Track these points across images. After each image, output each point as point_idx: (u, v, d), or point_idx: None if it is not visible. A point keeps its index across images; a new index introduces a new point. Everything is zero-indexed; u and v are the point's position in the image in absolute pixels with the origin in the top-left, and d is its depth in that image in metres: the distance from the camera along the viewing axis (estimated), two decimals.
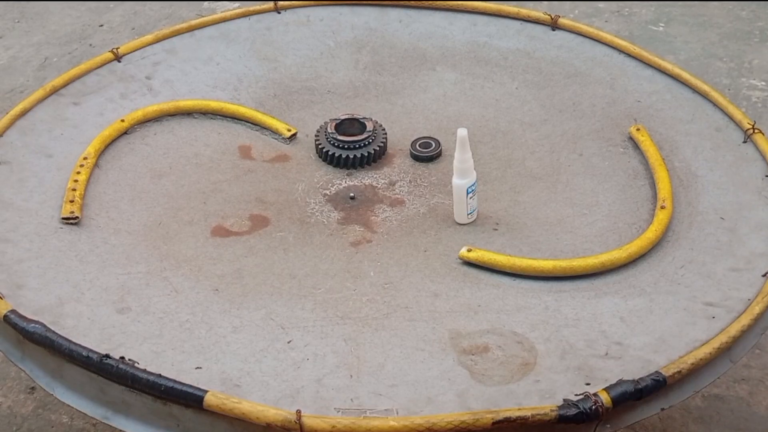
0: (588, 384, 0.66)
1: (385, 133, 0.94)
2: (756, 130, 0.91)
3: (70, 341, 0.67)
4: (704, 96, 0.97)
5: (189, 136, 0.96)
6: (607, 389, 0.64)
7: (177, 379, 0.64)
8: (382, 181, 0.91)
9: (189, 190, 0.89)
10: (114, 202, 0.86)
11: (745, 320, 0.71)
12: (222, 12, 1.11)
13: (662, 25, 1.72)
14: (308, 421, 0.61)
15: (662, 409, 0.67)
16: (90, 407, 0.68)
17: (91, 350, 0.66)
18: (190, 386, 0.64)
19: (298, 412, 0.62)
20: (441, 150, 0.93)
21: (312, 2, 1.11)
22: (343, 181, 0.91)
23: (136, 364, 0.65)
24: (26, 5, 1.80)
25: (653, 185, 0.87)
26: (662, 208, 0.83)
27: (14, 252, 0.78)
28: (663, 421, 0.99)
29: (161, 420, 0.66)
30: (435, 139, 0.94)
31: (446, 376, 0.68)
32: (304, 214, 0.86)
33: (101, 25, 1.75)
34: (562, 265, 0.78)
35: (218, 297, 0.76)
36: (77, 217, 0.82)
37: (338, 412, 0.65)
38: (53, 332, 0.68)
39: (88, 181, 0.87)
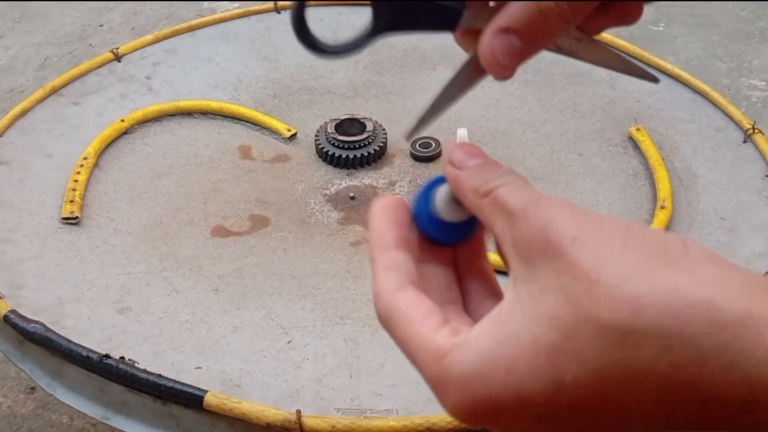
0: None
1: (385, 133, 0.94)
2: (756, 130, 0.91)
3: (70, 341, 0.67)
4: (704, 96, 0.97)
5: (189, 136, 0.96)
6: None
7: (177, 379, 0.64)
8: (382, 181, 0.91)
9: (189, 190, 0.89)
10: (114, 202, 0.86)
11: None
12: (222, 12, 1.11)
13: (662, 25, 1.72)
14: (308, 421, 0.61)
15: None
16: (90, 407, 0.68)
17: (91, 350, 0.66)
18: (190, 386, 0.64)
19: (298, 412, 0.62)
20: (441, 150, 0.93)
21: (312, 2, 1.11)
22: (343, 181, 0.91)
23: (135, 364, 0.65)
24: (26, 5, 1.80)
25: (653, 185, 0.87)
26: (662, 208, 0.83)
27: (14, 252, 0.78)
28: None
29: (161, 420, 0.66)
30: (435, 139, 0.94)
31: None
32: (304, 214, 0.86)
33: (101, 25, 1.75)
34: None
35: (218, 297, 0.76)
36: (77, 217, 0.82)
37: (338, 412, 0.65)
38: (53, 332, 0.68)
39: (88, 181, 0.87)
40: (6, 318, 0.69)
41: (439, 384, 0.31)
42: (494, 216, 0.31)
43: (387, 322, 0.33)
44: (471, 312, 0.35)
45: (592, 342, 0.28)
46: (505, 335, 0.30)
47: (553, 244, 0.29)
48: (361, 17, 1.23)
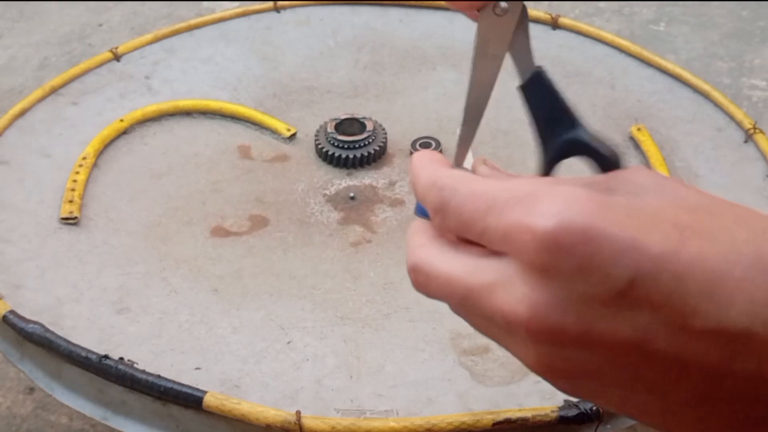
0: None
1: (385, 133, 0.94)
2: (757, 130, 0.90)
3: (69, 342, 0.67)
4: (705, 96, 0.97)
5: (188, 136, 0.95)
6: None
7: (176, 380, 0.64)
8: (382, 181, 0.90)
9: (188, 190, 0.88)
10: (113, 202, 0.86)
11: None
12: (221, 12, 1.11)
13: (663, 24, 1.72)
14: (308, 421, 0.61)
15: None
16: (89, 408, 0.68)
17: (90, 351, 0.66)
18: (190, 387, 0.63)
19: (298, 413, 0.61)
20: (441, 150, 0.93)
21: (312, 2, 1.11)
22: (343, 181, 0.90)
23: (135, 365, 0.65)
24: (25, 5, 1.80)
25: None
26: None
27: (13, 252, 0.78)
28: None
29: (160, 420, 0.66)
30: (435, 139, 0.94)
31: (447, 376, 0.68)
32: (304, 214, 0.86)
33: (100, 25, 1.75)
34: None
35: (217, 297, 0.76)
36: (76, 218, 0.82)
37: (338, 412, 0.65)
38: (52, 333, 0.67)
39: (87, 181, 0.86)
40: (5, 318, 0.69)
41: (530, 199, 0.28)
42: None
43: (463, 176, 0.32)
44: None
45: (729, 229, 0.28)
46: (622, 199, 0.29)
47: (677, 184, 0.31)
48: (361, 17, 1.24)
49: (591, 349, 0.28)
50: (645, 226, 0.27)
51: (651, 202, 0.30)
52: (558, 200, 0.27)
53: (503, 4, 0.38)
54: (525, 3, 0.39)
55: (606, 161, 0.38)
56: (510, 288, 0.29)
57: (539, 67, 0.39)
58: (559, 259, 0.27)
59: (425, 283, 0.32)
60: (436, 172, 0.34)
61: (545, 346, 0.29)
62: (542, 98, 0.39)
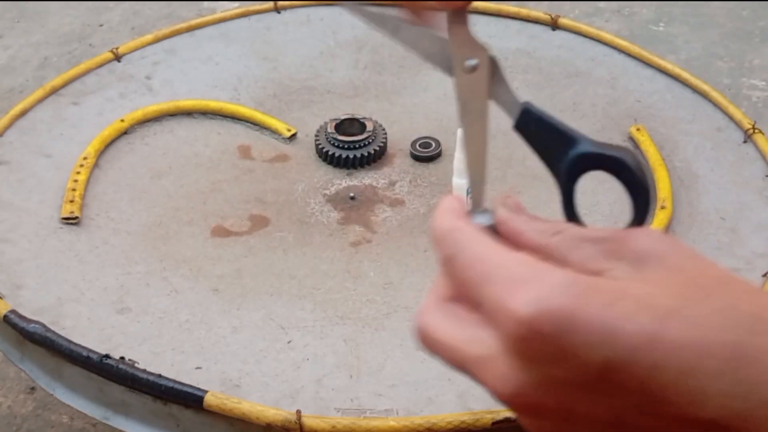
0: None
1: (385, 133, 0.94)
2: (756, 130, 0.90)
3: (69, 341, 0.67)
4: (705, 96, 0.97)
5: (188, 136, 0.95)
6: None
7: (177, 380, 0.64)
8: (382, 181, 0.91)
9: (188, 190, 0.89)
10: (113, 202, 0.86)
11: None
12: (222, 12, 1.11)
13: (663, 24, 1.72)
14: (308, 421, 0.61)
15: None
16: (90, 407, 0.68)
17: (90, 350, 0.66)
18: (190, 386, 0.64)
19: (298, 412, 0.61)
20: (441, 150, 0.93)
21: (312, 2, 1.11)
22: (343, 181, 0.91)
23: (135, 365, 0.65)
24: (26, 5, 1.80)
25: (653, 185, 0.87)
26: (662, 208, 0.83)
27: (13, 252, 0.78)
28: None
29: (161, 420, 0.66)
30: (435, 139, 0.94)
31: (446, 376, 0.68)
32: (304, 214, 0.86)
33: (101, 25, 1.75)
34: None
35: (218, 297, 0.76)
36: (77, 217, 0.82)
37: (338, 412, 0.65)
38: (53, 332, 0.68)
39: (87, 181, 0.86)
40: (6, 318, 0.69)
41: (517, 281, 0.30)
42: (572, 244, 0.35)
43: (474, 236, 0.33)
44: None
45: (715, 315, 0.28)
46: (608, 282, 0.30)
47: (678, 253, 0.31)
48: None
49: (571, 422, 0.30)
50: (624, 314, 0.28)
51: (647, 276, 0.31)
52: (539, 288, 0.29)
53: (470, 62, 0.39)
54: (494, 53, 0.40)
55: (617, 163, 0.39)
56: (495, 365, 0.31)
57: (525, 102, 0.40)
58: (535, 346, 0.29)
59: (430, 346, 0.34)
60: (452, 224, 0.35)
61: (529, 418, 0.31)
62: (538, 130, 0.40)
